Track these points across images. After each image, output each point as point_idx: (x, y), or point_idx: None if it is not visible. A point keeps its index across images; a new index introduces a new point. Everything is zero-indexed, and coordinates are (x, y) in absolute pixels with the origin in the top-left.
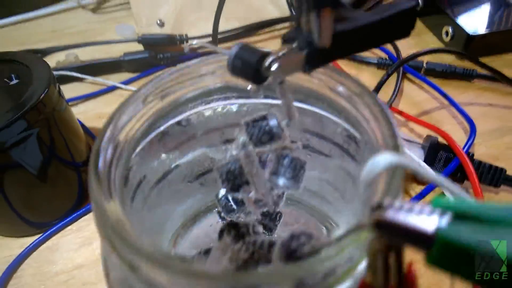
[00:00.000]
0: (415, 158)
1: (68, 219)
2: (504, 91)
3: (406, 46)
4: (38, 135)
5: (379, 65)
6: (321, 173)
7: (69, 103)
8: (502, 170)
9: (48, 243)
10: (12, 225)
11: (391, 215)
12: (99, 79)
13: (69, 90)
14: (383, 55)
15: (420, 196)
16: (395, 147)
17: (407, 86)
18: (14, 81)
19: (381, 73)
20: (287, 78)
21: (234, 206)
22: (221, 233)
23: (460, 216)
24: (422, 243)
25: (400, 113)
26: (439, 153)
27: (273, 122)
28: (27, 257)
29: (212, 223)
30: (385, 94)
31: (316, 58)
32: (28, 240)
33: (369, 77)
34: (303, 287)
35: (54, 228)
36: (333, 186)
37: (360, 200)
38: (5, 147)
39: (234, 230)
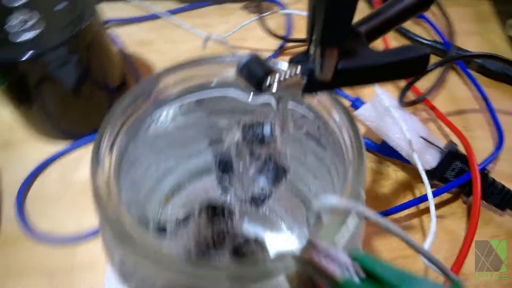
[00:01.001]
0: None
1: (92, 137)
2: None
3: (464, 31)
4: (78, 58)
5: (429, 46)
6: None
7: (113, 23)
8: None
9: (75, 153)
10: (46, 130)
11: (314, 255)
12: (146, 3)
13: (114, 9)
14: (437, 38)
15: (419, 200)
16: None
17: (451, 78)
18: (62, 5)
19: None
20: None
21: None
22: (199, 210)
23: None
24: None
25: (433, 108)
26: (454, 162)
27: (266, 131)
28: (54, 162)
29: (208, 187)
30: (426, 83)
31: (315, 87)
32: (58, 147)
33: None
34: None
35: (82, 140)
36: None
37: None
38: (47, 69)
39: (211, 212)
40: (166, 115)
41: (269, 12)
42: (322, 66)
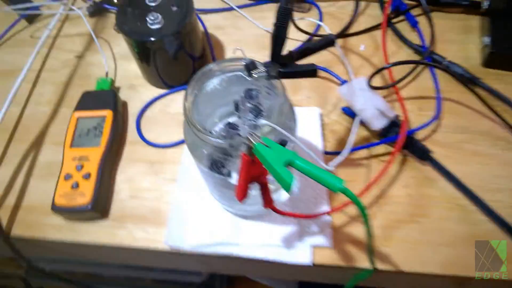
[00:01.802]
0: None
1: (181, 87)
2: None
3: (447, 40)
4: (180, 40)
5: (412, 49)
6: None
7: (201, 12)
8: (428, 151)
9: (171, 96)
10: (155, 81)
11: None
12: None
13: (204, 2)
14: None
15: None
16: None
17: (424, 74)
18: (175, 8)
19: (410, 56)
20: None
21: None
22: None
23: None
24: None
25: (397, 93)
26: (394, 128)
27: (254, 93)
28: (158, 100)
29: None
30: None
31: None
32: (161, 91)
33: (402, 56)
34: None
35: (176, 89)
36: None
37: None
38: (163, 45)
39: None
40: (217, 82)
41: (305, 13)
42: (272, 70)
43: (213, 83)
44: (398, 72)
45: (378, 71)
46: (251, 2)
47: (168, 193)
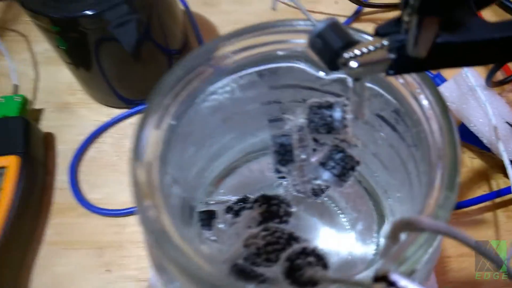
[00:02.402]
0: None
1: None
2: None
3: None
4: (139, 18)
5: None
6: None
7: None
8: None
9: (132, 119)
10: (104, 94)
11: None
12: None
13: None
14: None
15: (496, 193)
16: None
17: None
18: None
19: None
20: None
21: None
22: (253, 202)
23: None
24: None
25: None
26: None
27: (337, 115)
28: (112, 127)
29: (265, 169)
30: None
31: (404, 66)
32: (116, 112)
33: None
34: None
35: (140, 107)
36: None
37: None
38: (108, 27)
39: (266, 205)
40: (224, 87)
41: None
42: (418, 39)
43: (222, 90)
44: None
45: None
46: None
47: None
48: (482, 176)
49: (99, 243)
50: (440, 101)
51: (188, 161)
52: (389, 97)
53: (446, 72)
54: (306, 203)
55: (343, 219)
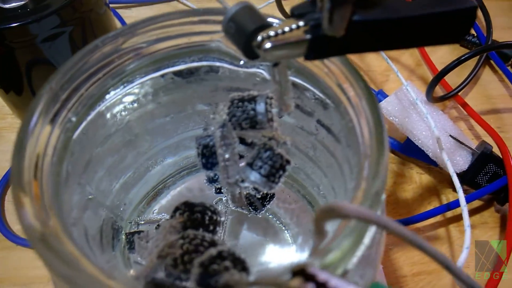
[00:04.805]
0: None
1: None
2: None
3: (503, 24)
4: (70, 34)
5: (463, 41)
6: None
7: (122, 4)
8: None
9: None
10: None
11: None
12: None
13: None
14: (471, 31)
15: (446, 207)
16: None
17: (486, 74)
18: None
19: (462, 51)
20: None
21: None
22: (174, 211)
23: None
24: None
25: (464, 105)
26: (487, 165)
27: (260, 108)
28: None
29: (204, 186)
30: (456, 78)
31: (323, 47)
32: None
33: (446, 53)
34: None
35: None
36: (320, 168)
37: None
38: (36, 41)
39: (188, 212)
40: (139, 92)
41: None
42: (332, 15)
43: (136, 95)
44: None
45: (443, 73)
46: None
47: None
48: (431, 192)
49: (24, 279)
50: (365, 89)
51: (105, 176)
52: (314, 89)
53: (387, 88)
54: (249, 220)
55: (287, 234)
